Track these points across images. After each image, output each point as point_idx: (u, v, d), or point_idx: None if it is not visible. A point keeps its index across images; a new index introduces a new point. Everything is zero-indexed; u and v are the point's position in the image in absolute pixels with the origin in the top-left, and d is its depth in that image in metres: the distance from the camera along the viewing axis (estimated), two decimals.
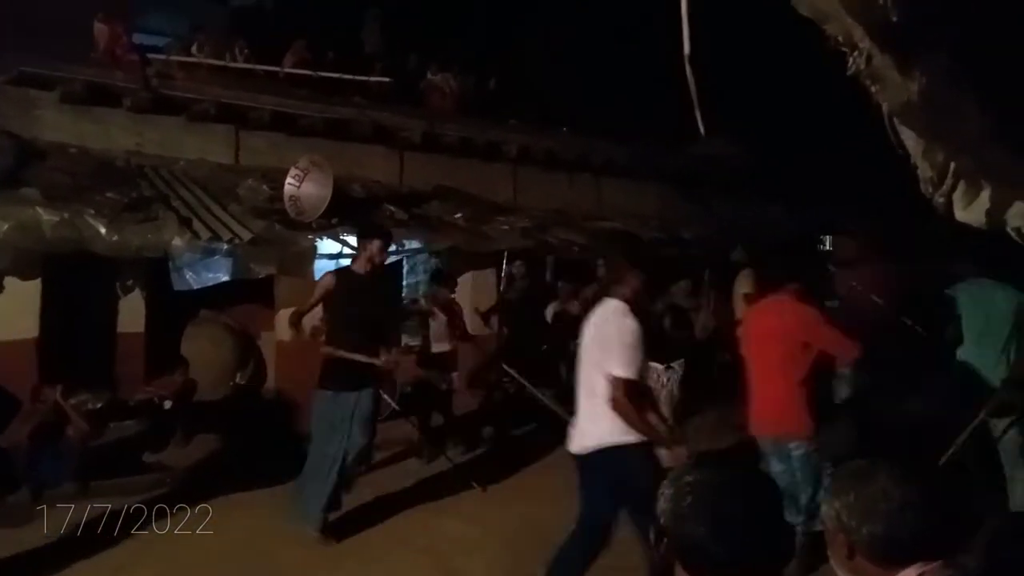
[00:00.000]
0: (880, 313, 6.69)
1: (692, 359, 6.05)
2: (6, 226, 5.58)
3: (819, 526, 2.52)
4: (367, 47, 9.34)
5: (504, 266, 7.72)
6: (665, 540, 1.28)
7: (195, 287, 6.37)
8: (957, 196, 1.92)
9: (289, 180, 6.75)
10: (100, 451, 5.69)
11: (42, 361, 6.26)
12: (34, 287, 6.39)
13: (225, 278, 6.38)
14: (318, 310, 4.90)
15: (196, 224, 6.26)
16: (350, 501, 4.99)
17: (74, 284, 6.66)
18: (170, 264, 6.23)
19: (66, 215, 5.87)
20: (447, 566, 4.25)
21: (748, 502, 1.25)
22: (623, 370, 3.14)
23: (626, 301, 3.28)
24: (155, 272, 6.75)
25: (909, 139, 1.76)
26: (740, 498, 1.25)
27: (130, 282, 7.32)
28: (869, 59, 1.47)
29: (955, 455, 3.80)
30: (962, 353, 4.40)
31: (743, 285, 6.53)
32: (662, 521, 1.29)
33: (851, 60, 1.49)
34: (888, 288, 7.38)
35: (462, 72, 9.58)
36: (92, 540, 4.32)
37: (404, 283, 8.94)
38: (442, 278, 6.62)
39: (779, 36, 4.82)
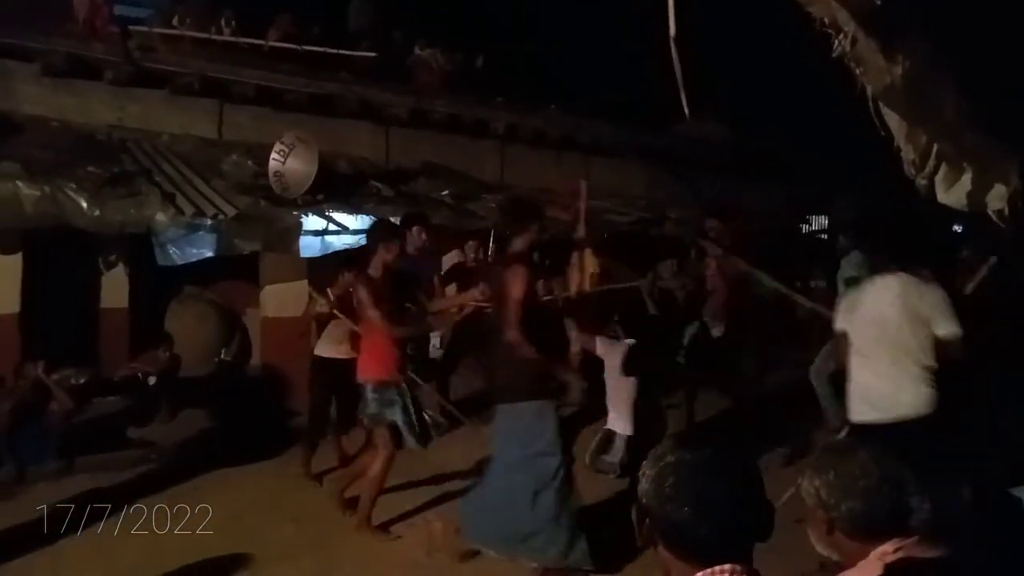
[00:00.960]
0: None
1: (675, 335, 6.13)
2: None
3: None
4: (353, 23, 9.22)
5: (491, 244, 7.72)
6: (647, 521, 1.30)
7: (179, 263, 6.32)
8: (939, 179, 1.95)
9: (274, 155, 6.70)
10: (84, 427, 5.69)
11: (24, 337, 6.23)
12: (15, 262, 6.33)
13: (209, 254, 6.34)
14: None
15: (180, 199, 6.21)
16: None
17: (56, 259, 6.61)
18: (153, 239, 6.18)
19: (47, 189, 5.81)
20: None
21: (731, 481, 1.26)
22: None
23: None
24: (138, 247, 6.70)
25: (892, 122, 1.78)
26: (723, 478, 1.26)
27: (113, 257, 7.28)
28: (854, 42, 1.48)
29: None
30: None
31: (848, 269, 5.71)
32: (644, 502, 1.29)
33: (836, 43, 1.50)
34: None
35: (449, 49, 9.50)
36: (77, 516, 4.32)
37: None
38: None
39: (765, 18, 4.81)
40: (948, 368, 3.35)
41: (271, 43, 8.25)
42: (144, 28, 7.72)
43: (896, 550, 1.64)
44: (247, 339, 8.10)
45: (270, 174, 6.70)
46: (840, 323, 3.60)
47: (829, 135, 9.57)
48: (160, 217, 6.08)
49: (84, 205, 5.87)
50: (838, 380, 3.89)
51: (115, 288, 7.29)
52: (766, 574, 1.32)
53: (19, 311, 6.31)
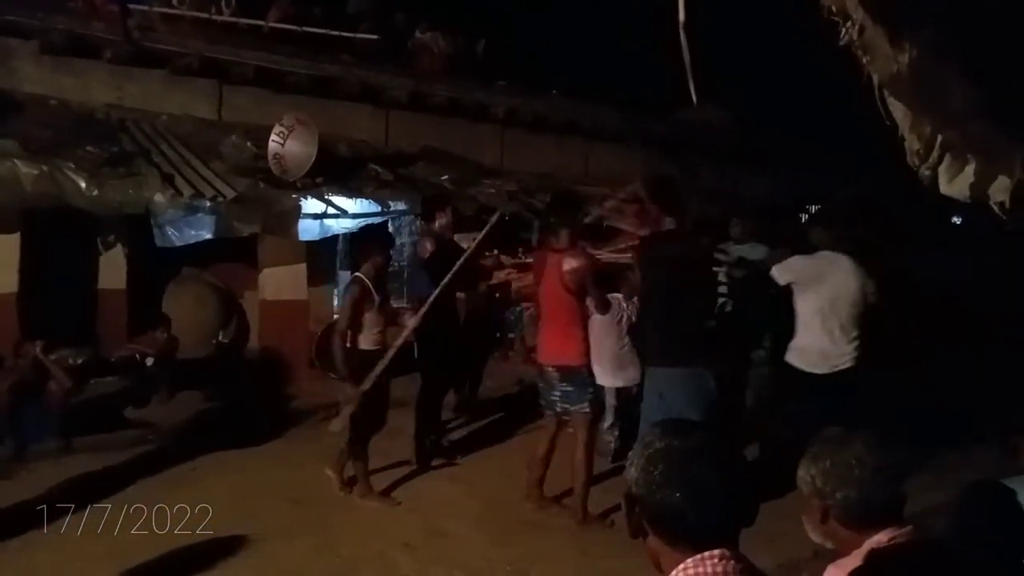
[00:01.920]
0: None
1: None
2: None
3: None
4: (353, 5, 9.16)
5: (489, 228, 7.72)
6: (636, 509, 1.30)
7: (178, 244, 6.35)
8: (943, 169, 1.93)
9: (273, 137, 6.70)
10: (82, 407, 5.70)
11: (22, 316, 6.22)
12: (13, 241, 6.32)
13: (208, 236, 6.35)
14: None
15: (179, 180, 6.21)
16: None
17: (54, 239, 6.59)
18: (152, 221, 6.19)
19: (45, 169, 5.79)
20: (432, 525, 4.33)
21: (720, 467, 1.27)
22: None
23: None
24: (137, 228, 6.71)
25: (897, 111, 1.77)
26: (712, 463, 1.26)
27: (111, 238, 7.26)
28: (862, 30, 1.47)
29: None
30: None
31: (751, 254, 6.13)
32: (633, 490, 1.29)
33: (844, 31, 1.49)
34: None
35: (451, 32, 9.44)
36: (77, 496, 4.34)
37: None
38: None
39: (771, 4, 4.81)
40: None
41: (271, 24, 8.18)
42: (144, 7, 7.62)
43: (891, 539, 1.65)
44: (245, 322, 8.11)
45: (269, 156, 6.71)
46: (805, 287, 4.51)
47: (833, 124, 9.53)
48: (159, 198, 6.08)
49: (83, 185, 5.85)
50: None
51: (113, 269, 7.28)
52: (760, 560, 1.33)
53: (17, 291, 6.31)
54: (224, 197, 6.22)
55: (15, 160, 5.72)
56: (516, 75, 9.37)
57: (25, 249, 6.37)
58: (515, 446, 5.63)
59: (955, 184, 1.94)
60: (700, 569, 1.23)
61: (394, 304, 5.34)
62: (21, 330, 5.95)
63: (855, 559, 1.66)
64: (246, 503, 4.46)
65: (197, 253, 6.97)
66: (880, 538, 1.66)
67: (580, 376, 4.33)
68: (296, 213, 6.79)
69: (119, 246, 7.29)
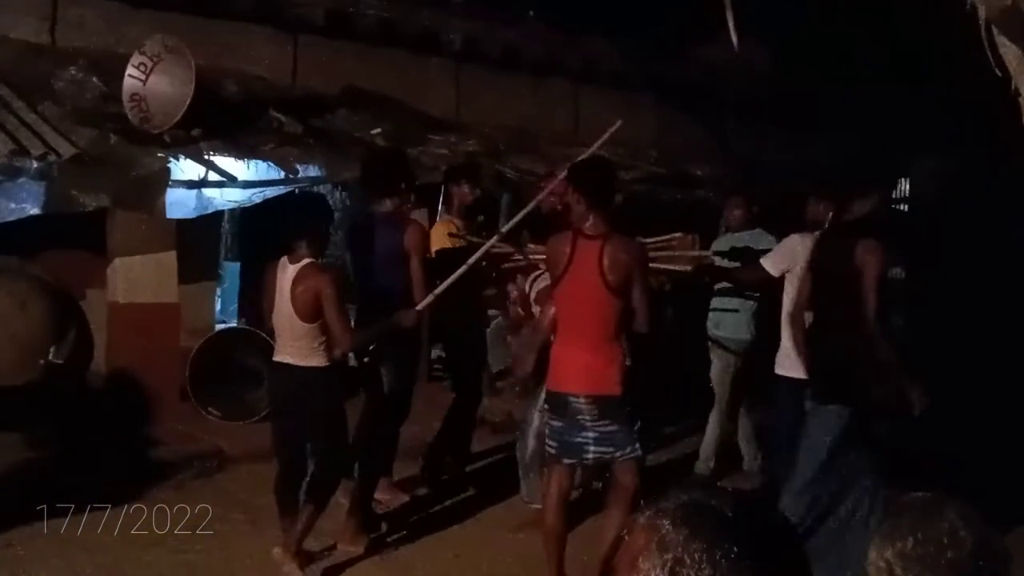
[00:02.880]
0: None
1: None
2: None
3: None
4: None
5: (441, 206, 7.71)
6: None
7: None
8: None
9: (131, 72, 6.64)
10: None
11: None
12: None
13: (34, 211, 6.28)
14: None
15: None
16: None
17: None
18: None
19: None
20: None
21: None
22: None
23: None
24: None
25: (1011, 56, 1.81)
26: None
27: None
28: None
29: None
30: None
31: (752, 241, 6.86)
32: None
33: None
34: None
35: None
36: None
37: None
38: None
39: None
40: None
41: None
42: None
43: None
44: (87, 333, 7.96)
45: (125, 98, 6.63)
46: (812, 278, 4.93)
47: (910, 72, 9.69)
48: None
49: None
50: None
51: None
52: None
53: None
54: (58, 155, 6.15)
55: None
56: None
57: None
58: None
59: None
60: None
61: None
62: None
63: None
64: None
65: (17, 236, 6.80)
66: None
67: (624, 410, 4.40)
68: (163, 179, 6.75)
69: None
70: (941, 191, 10.66)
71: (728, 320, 6.52)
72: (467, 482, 6.42)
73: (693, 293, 6.77)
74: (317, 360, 4.71)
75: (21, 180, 6.18)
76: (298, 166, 7.33)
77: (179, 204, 6.94)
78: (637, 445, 4.43)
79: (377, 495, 5.58)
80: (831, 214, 5.09)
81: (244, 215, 8.61)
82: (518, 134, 9.16)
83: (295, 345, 4.70)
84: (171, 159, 6.78)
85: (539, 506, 5.10)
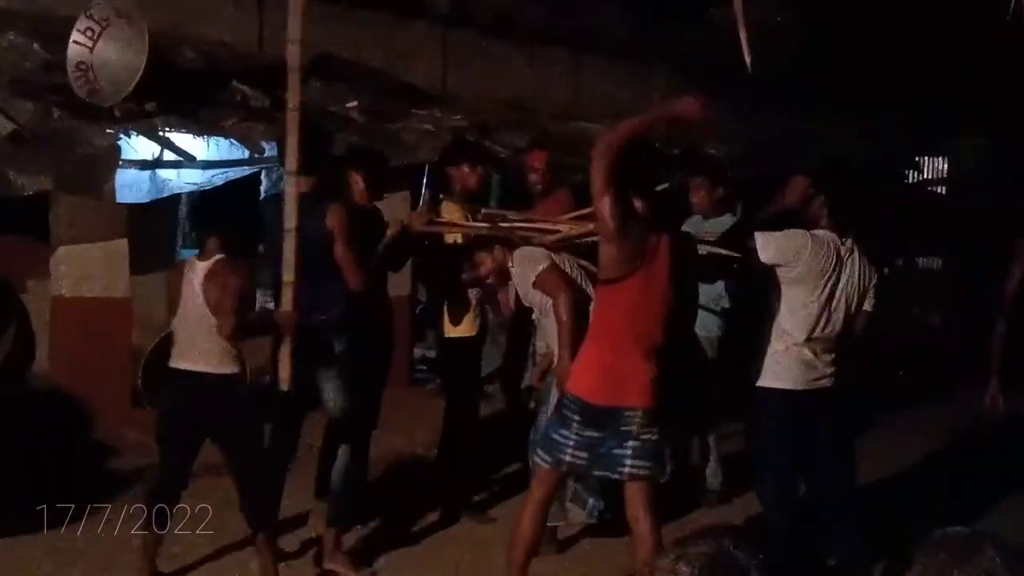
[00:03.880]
0: None
1: None
2: None
3: None
4: None
5: (424, 190, 7.73)
6: None
7: None
8: None
9: (76, 37, 6.64)
10: None
11: None
12: None
13: None
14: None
15: None
16: None
17: None
18: None
19: None
20: None
21: None
22: None
23: None
24: None
25: None
26: None
27: None
28: None
29: None
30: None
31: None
32: None
33: None
34: None
35: None
36: None
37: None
38: None
39: None
40: None
41: None
42: None
43: None
44: (28, 329, 7.96)
45: (69, 67, 6.63)
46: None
47: (953, 39, 9.74)
48: None
49: None
50: None
51: None
52: None
53: None
54: None
55: None
56: None
57: None
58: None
59: None
60: None
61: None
62: None
63: None
64: None
65: None
66: None
67: (662, 419, 4.43)
68: (112, 159, 6.77)
69: None
70: (980, 172, 10.66)
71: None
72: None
73: None
74: (230, 366, 4.77)
75: None
76: (264, 144, 7.34)
77: (131, 187, 6.94)
78: (670, 464, 4.47)
79: None
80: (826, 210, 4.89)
81: (203, 199, 8.60)
82: (511, 108, 9.17)
83: (207, 348, 4.74)
84: (121, 136, 6.80)
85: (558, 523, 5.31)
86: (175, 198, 7.59)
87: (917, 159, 11.81)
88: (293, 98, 4.84)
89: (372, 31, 8.94)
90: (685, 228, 6.18)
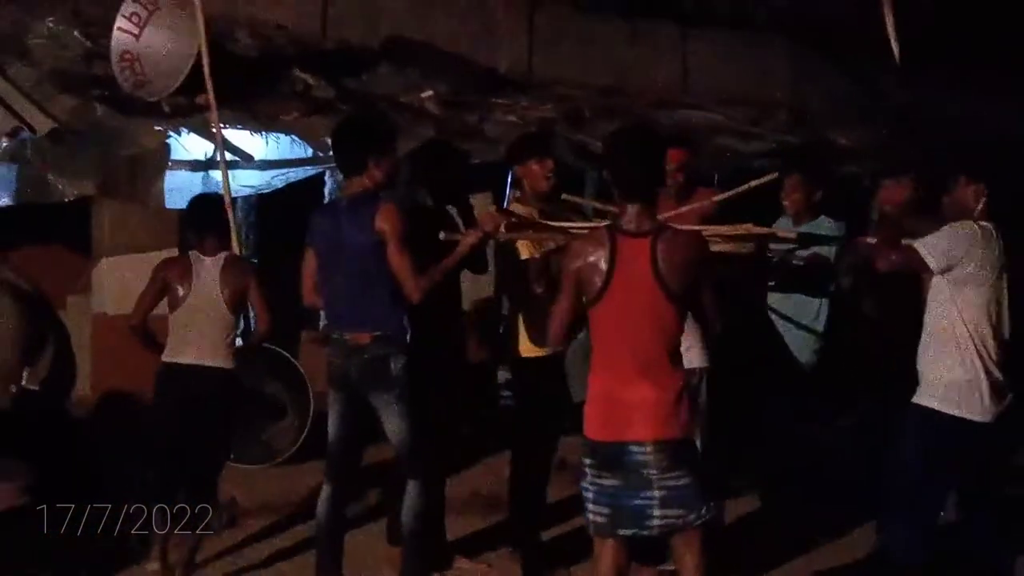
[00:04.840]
0: None
1: None
2: None
3: None
4: None
5: (509, 190, 7.64)
6: None
7: None
8: None
9: (121, 24, 6.71)
10: None
11: None
12: None
13: (5, 202, 6.45)
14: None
15: None
16: None
17: None
18: None
19: None
20: None
21: None
22: None
23: None
24: None
25: None
26: None
27: None
28: None
29: None
30: None
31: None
32: None
33: None
34: None
35: None
36: None
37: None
38: None
39: None
40: None
41: None
42: None
43: None
44: (68, 351, 8.08)
45: (114, 57, 6.69)
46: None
47: None
48: None
49: None
50: None
51: None
52: None
53: None
54: (32, 131, 6.25)
55: None
56: None
57: None
58: None
59: None
60: None
61: None
62: None
63: None
64: None
65: None
66: None
67: (695, 454, 4.35)
68: (161, 160, 6.82)
69: None
70: None
71: (790, 336, 6.42)
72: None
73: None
74: (225, 360, 5.44)
75: None
76: (328, 141, 7.26)
77: (181, 190, 6.93)
78: (710, 503, 4.31)
79: None
80: (983, 200, 4.91)
81: (263, 203, 8.60)
82: (607, 94, 9.06)
83: (211, 339, 5.42)
84: (171, 134, 6.84)
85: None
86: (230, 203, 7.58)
87: None
88: None
89: (449, 10, 8.92)
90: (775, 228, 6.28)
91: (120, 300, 7.29)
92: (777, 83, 10.00)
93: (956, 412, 4.77)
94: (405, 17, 8.70)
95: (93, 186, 6.64)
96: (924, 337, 4.94)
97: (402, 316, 5.11)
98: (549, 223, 5.49)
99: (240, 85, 7.23)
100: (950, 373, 4.80)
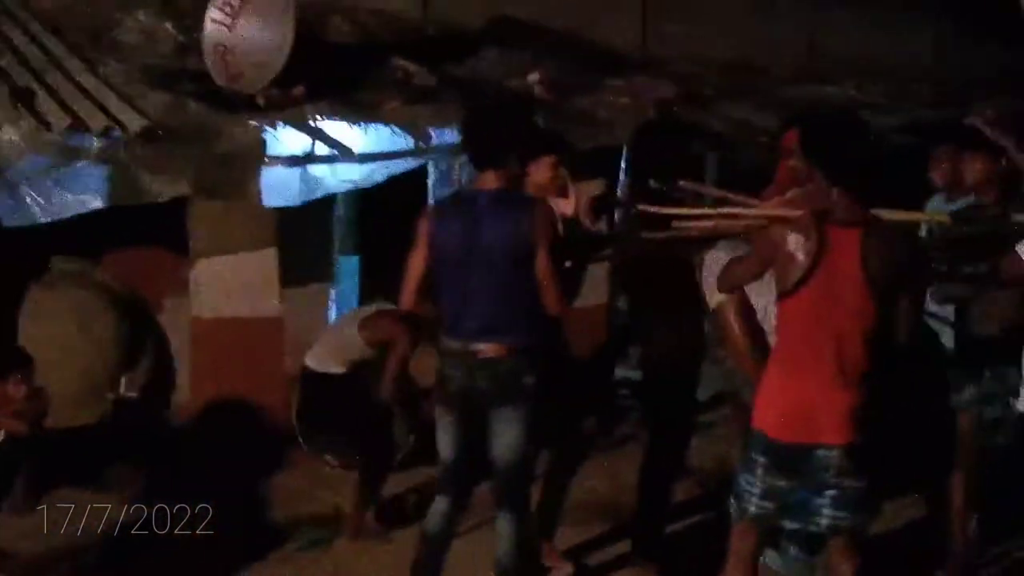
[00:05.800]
0: None
1: None
2: None
3: None
4: None
5: (623, 176, 7.60)
6: None
7: (43, 220, 6.45)
8: None
9: (213, 15, 6.75)
10: None
11: None
12: None
13: (97, 204, 6.42)
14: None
15: (42, 100, 6.31)
16: None
17: None
18: None
19: None
20: None
21: None
22: None
23: None
24: None
25: None
26: None
27: None
28: None
29: None
30: None
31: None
32: None
33: None
34: None
35: None
36: None
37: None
38: None
39: None
40: None
41: None
42: None
43: None
44: (166, 356, 8.19)
45: (206, 50, 6.74)
46: None
47: None
48: (9, 135, 6.18)
49: None
50: None
51: None
52: None
53: None
54: (124, 129, 6.28)
55: None
56: None
57: None
58: None
59: None
60: None
61: None
62: None
63: None
64: None
65: (78, 234, 7.08)
66: None
67: (872, 462, 4.33)
68: (256, 156, 6.84)
69: None
70: None
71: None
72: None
73: None
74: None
75: (80, 164, 6.32)
76: (431, 131, 7.33)
77: (279, 187, 6.97)
78: (875, 510, 4.44)
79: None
80: None
81: (363, 197, 8.64)
82: (731, 71, 8.95)
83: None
84: (267, 129, 6.87)
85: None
86: (330, 199, 7.64)
87: None
88: None
89: None
90: (930, 209, 6.14)
91: (218, 302, 7.44)
92: (920, 54, 9.81)
93: None
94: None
95: (188, 185, 6.65)
96: None
97: (543, 329, 4.85)
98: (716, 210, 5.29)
99: (337, 75, 7.31)
100: None
